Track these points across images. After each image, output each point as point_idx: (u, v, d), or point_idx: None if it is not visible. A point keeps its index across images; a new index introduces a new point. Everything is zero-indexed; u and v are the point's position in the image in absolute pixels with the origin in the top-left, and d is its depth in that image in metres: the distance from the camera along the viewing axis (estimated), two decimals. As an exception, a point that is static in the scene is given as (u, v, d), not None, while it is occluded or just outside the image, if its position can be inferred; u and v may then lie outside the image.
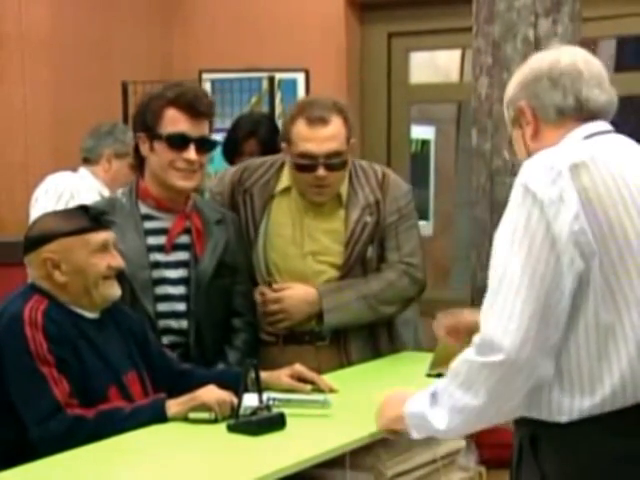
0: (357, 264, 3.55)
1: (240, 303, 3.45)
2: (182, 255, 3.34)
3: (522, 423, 2.35)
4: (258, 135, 4.42)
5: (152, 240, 3.32)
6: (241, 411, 2.77)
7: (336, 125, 3.42)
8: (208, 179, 4.64)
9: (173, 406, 2.84)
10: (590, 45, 6.04)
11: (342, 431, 2.80)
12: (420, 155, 7.48)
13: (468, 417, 2.31)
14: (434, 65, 7.18)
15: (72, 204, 4.37)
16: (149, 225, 3.33)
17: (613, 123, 2.46)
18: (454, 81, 7.27)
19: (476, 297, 4.24)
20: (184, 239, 3.35)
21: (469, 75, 4.60)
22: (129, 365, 2.97)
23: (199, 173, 3.33)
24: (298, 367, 3.17)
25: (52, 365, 2.76)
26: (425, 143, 7.58)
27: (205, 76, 5.66)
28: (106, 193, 4.55)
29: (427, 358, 3.41)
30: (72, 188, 4.66)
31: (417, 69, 6.36)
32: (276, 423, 2.76)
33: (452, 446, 3.06)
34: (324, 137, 3.40)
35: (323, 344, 3.55)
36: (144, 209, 3.35)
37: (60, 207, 4.36)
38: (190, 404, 2.84)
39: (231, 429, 2.75)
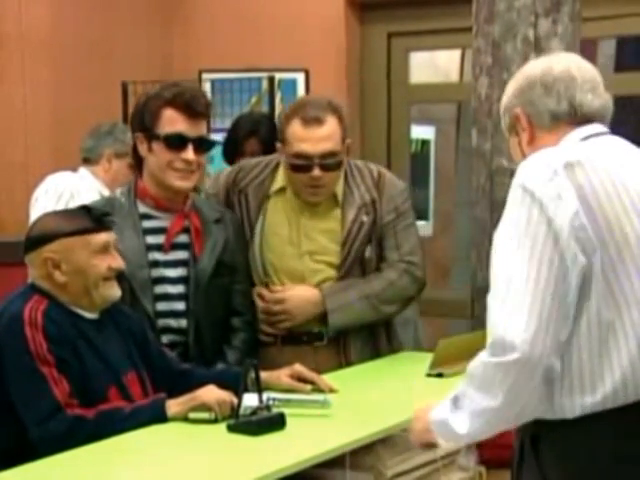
0: (355, 264, 3.55)
1: (239, 302, 3.45)
2: (181, 254, 3.34)
3: (524, 423, 2.35)
4: (259, 134, 4.42)
5: (151, 239, 3.32)
6: (241, 411, 2.77)
7: (331, 125, 3.42)
8: (208, 179, 4.64)
9: (173, 406, 2.84)
10: (590, 45, 6.06)
11: (342, 431, 2.80)
12: (420, 155, 7.48)
13: (488, 420, 2.30)
14: (434, 65, 7.18)
15: (72, 204, 4.37)
16: (147, 224, 3.33)
17: (612, 123, 2.47)
18: (454, 81, 7.27)
19: (476, 297, 4.25)
20: (183, 238, 3.35)
21: (469, 75, 4.61)
22: (129, 365, 2.97)
23: (197, 173, 3.33)
24: (298, 367, 3.17)
25: (52, 365, 2.77)
26: (425, 143, 7.58)
27: (205, 76, 5.66)
28: (106, 193, 4.55)
29: (427, 358, 3.42)
30: (72, 188, 4.66)
31: (417, 69, 6.36)
32: (276, 423, 2.76)
33: (452, 446, 3.06)
34: (319, 137, 3.40)
35: (321, 344, 3.55)
36: (142, 208, 3.35)
37: (60, 207, 4.36)
38: (190, 404, 2.84)
39: (231, 429, 2.75)
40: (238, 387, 2.80)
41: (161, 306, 3.30)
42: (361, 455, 2.80)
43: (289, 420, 2.78)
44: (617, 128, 2.51)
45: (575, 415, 2.25)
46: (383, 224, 3.56)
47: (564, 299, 2.20)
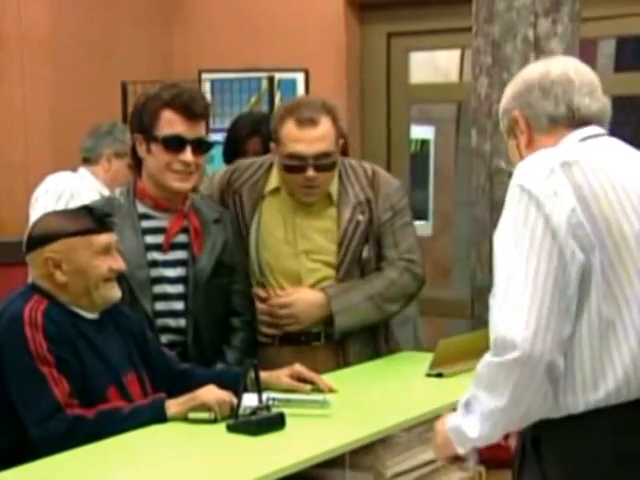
0: (354, 264, 3.55)
1: (238, 302, 3.45)
2: (180, 254, 3.35)
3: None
4: (261, 134, 4.41)
5: (150, 239, 3.32)
6: (241, 411, 2.77)
7: (325, 126, 3.42)
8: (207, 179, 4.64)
9: (173, 406, 2.84)
10: (590, 45, 6.06)
11: (342, 431, 2.80)
12: (420, 155, 7.48)
13: (497, 421, 2.30)
14: (434, 65, 7.18)
15: (72, 204, 4.38)
16: (146, 224, 3.33)
17: (612, 123, 2.48)
18: (454, 81, 7.27)
19: (476, 297, 4.25)
20: (182, 238, 3.35)
21: (469, 75, 4.61)
22: (128, 365, 2.97)
23: (196, 174, 3.33)
24: (298, 367, 3.17)
25: (52, 365, 2.77)
26: (425, 143, 7.59)
27: (205, 76, 5.66)
28: (106, 193, 4.54)
29: (427, 358, 3.42)
30: (72, 188, 4.66)
31: (417, 69, 6.36)
32: (276, 423, 2.76)
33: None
34: (314, 138, 3.40)
35: (319, 344, 3.55)
36: (142, 208, 3.35)
37: (60, 207, 4.36)
38: (190, 404, 2.84)
39: (231, 429, 2.75)
40: (238, 387, 2.80)
41: (160, 306, 3.30)
42: (361, 455, 2.80)
43: (289, 420, 2.78)
44: (617, 128, 2.52)
45: (578, 412, 2.26)
46: (380, 223, 3.56)
47: (564, 293, 2.21)
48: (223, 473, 2.54)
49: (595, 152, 2.35)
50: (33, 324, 2.79)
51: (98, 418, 2.76)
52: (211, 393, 2.85)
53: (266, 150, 4.13)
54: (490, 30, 4.13)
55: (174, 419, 2.83)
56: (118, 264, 2.95)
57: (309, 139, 3.40)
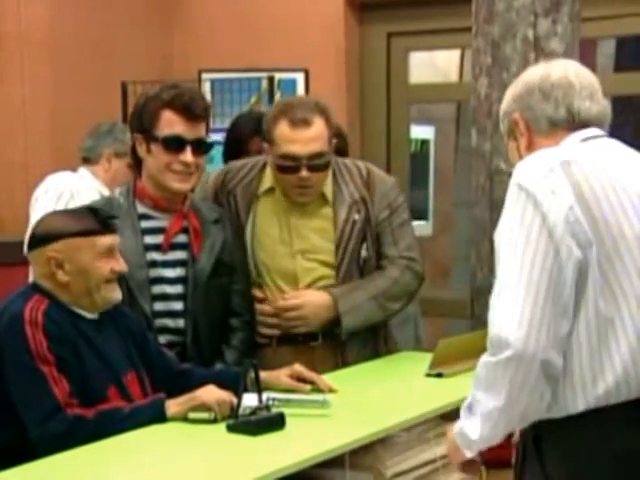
0: (353, 264, 3.55)
1: (237, 302, 3.45)
2: (179, 254, 3.35)
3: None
4: (263, 133, 4.41)
5: (149, 239, 3.32)
6: (240, 411, 2.77)
7: (319, 126, 3.43)
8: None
9: (173, 406, 2.84)
10: (590, 45, 6.06)
11: (342, 431, 2.80)
12: (420, 155, 7.48)
13: (496, 421, 2.30)
14: (433, 65, 7.18)
15: (72, 204, 4.38)
16: (146, 224, 3.34)
17: (612, 123, 2.49)
18: (453, 81, 7.27)
19: (476, 296, 4.25)
20: (181, 238, 3.35)
21: (468, 75, 4.61)
22: (128, 365, 2.97)
23: (196, 175, 3.34)
24: (297, 367, 3.17)
25: (52, 364, 2.77)
26: (424, 143, 7.58)
27: (205, 76, 5.66)
28: (106, 193, 4.55)
29: (426, 358, 3.42)
30: (72, 188, 4.66)
31: (416, 69, 6.36)
32: (275, 423, 2.76)
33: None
34: (308, 138, 3.40)
35: (317, 344, 3.55)
36: (141, 209, 3.35)
37: (60, 207, 4.36)
38: (190, 404, 2.84)
39: (230, 429, 2.75)
40: (238, 387, 2.80)
41: (158, 306, 3.30)
42: (360, 455, 2.80)
43: (288, 420, 2.78)
44: (617, 128, 2.52)
45: (578, 410, 2.26)
46: (378, 221, 3.57)
47: (560, 292, 2.22)
48: (223, 473, 2.54)
49: (596, 152, 2.37)
50: (33, 323, 2.79)
51: (98, 418, 2.76)
52: (211, 393, 2.85)
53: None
54: (490, 30, 4.13)
55: (174, 419, 2.83)
56: (120, 266, 2.95)
57: (303, 139, 3.40)
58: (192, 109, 3.27)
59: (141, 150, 3.33)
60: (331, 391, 3.11)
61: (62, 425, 2.73)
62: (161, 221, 3.35)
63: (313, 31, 5.83)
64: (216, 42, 6.02)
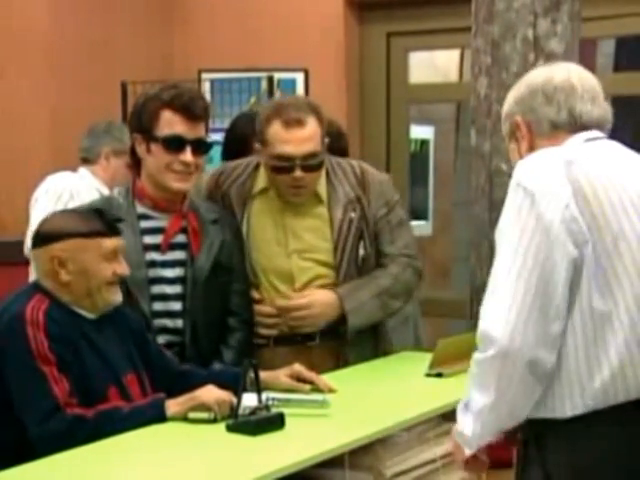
0: (352, 263, 3.55)
1: (236, 302, 3.45)
2: (178, 254, 3.35)
3: (527, 423, 2.36)
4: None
5: (148, 239, 3.32)
6: (240, 411, 2.77)
7: (312, 126, 3.42)
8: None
9: (172, 406, 2.84)
10: (589, 45, 6.06)
11: (341, 431, 2.80)
12: (419, 155, 7.48)
13: (486, 418, 2.33)
14: (433, 65, 7.18)
15: (71, 204, 4.39)
16: (145, 224, 3.34)
17: (612, 123, 2.51)
18: (453, 81, 7.27)
19: (475, 296, 4.25)
20: (180, 238, 3.36)
21: (468, 75, 4.60)
22: (128, 366, 2.97)
23: (195, 175, 3.34)
24: (297, 367, 3.17)
25: (53, 364, 2.77)
26: (424, 143, 7.58)
27: (204, 76, 5.66)
28: (106, 192, 4.55)
29: (426, 358, 3.42)
30: (72, 188, 4.66)
31: (416, 69, 6.36)
32: (275, 423, 2.76)
33: (451, 446, 3.06)
34: (301, 139, 3.40)
35: (314, 344, 3.55)
36: (140, 209, 3.35)
37: (60, 207, 4.36)
38: (189, 404, 2.84)
39: (230, 429, 2.75)
40: (237, 387, 2.80)
41: (157, 306, 3.30)
42: (360, 455, 2.80)
43: (288, 420, 2.78)
44: (616, 128, 2.53)
45: (576, 411, 2.27)
46: (376, 220, 3.57)
47: (551, 291, 2.23)
48: (222, 473, 2.54)
49: (598, 152, 2.39)
50: (35, 323, 2.79)
51: (98, 418, 2.76)
52: (210, 393, 2.85)
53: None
54: (489, 30, 4.13)
55: (174, 419, 2.83)
56: (123, 269, 2.96)
57: (297, 140, 3.40)
58: (192, 109, 3.27)
59: (140, 150, 3.33)
60: (331, 391, 3.11)
61: (62, 425, 2.73)
62: (160, 221, 3.35)
63: (313, 31, 5.84)
64: (216, 42, 6.02)
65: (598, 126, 2.45)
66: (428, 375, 3.37)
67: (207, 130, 3.43)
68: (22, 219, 4.81)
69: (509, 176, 2.39)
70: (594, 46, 7.22)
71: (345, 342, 3.57)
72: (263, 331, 3.54)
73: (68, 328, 2.84)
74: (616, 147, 2.45)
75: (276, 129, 3.41)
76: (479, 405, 2.31)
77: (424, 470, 2.99)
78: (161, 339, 3.27)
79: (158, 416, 2.82)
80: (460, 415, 2.39)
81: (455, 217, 7.08)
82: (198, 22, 6.13)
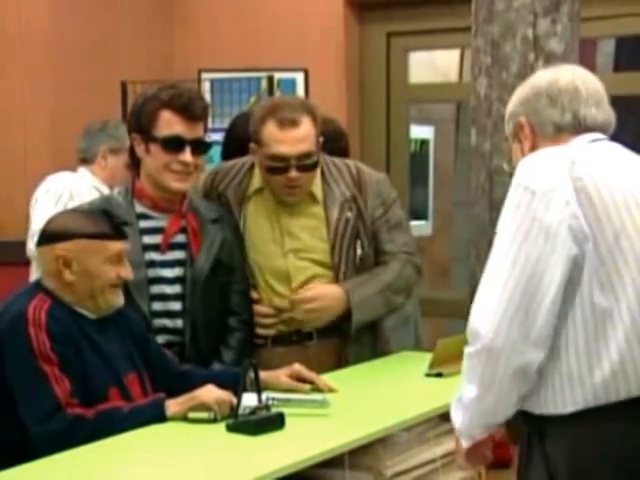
0: (350, 263, 3.55)
1: (236, 302, 3.45)
2: (178, 254, 3.35)
3: (529, 420, 2.37)
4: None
5: (147, 239, 3.32)
6: (240, 411, 2.77)
7: (306, 126, 3.42)
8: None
9: (172, 405, 2.84)
10: (589, 45, 6.06)
11: (341, 431, 2.80)
12: (419, 155, 7.47)
13: (473, 412, 2.37)
14: (433, 65, 7.18)
15: (71, 204, 4.39)
16: (144, 224, 3.34)
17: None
18: (453, 81, 7.27)
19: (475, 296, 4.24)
20: (180, 238, 3.36)
21: (468, 75, 4.60)
22: (130, 366, 2.97)
23: (195, 174, 3.34)
24: (297, 367, 3.17)
25: (54, 364, 2.77)
26: (424, 143, 7.58)
27: (204, 76, 5.66)
28: (106, 191, 4.55)
29: (426, 358, 3.42)
30: (72, 188, 4.67)
31: (416, 69, 6.36)
32: (275, 423, 2.76)
33: (451, 445, 3.06)
34: (296, 139, 3.40)
35: (311, 344, 3.55)
36: (140, 208, 3.35)
37: (60, 207, 4.37)
38: (189, 404, 2.84)
39: (230, 429, 2.75)
40: (237, 387, 2.80)
41: (157, 306, 3.30)
42: (360, 455, 2.80)
43: (288, 420, 2.78)
44: (616, 128, 2.54)
45: (577, 406, 2.28)
46: (374, 220, 3.57)
47: (541, 291, 2.25)
48: (222, 473, 2.54)
49: (601, 152, 2.41)
50: (37, 323, 2.79)
51: (98, 417, 2.76)
52: (210, 393, 2.85)
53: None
54: (489, 30, 4.13)
55: (174, 419, 2.83)
56: (126, 272, 2.96)
57: (291, 140, 3.40)
58: (191, 109, 3.27)
59: (139, 150, 3.33)
60: (331, 391, 3.11)
61: (62, 424, 2.73)
62: (160, 221, 3.35)
63: (313, 31, 5.84)
64: (216, 42, 6.02)
65: (602, 129, 2.47)
66: (428, 375, 3.37)
67: (206, 130, 3.43)
68: (22, 219, 4.81)
69: (509, 175, 2.40)
70: (594, 46, 7.22)
71: (343, 342, 3.57)
72: (261, 331, 3.54)
73: (70, 328, 2.84)
74: (619, 149, 2.47)
75: (271, 129, 3.41)
76: (467, 398, 2.36)
77: (424, 470, 2.99)
78: (160, 339, 3.27)
79: (158, 416, 2.82)
80: (452, 407, 2.44)
81: (455, 217, 7.08)
82: (198, 22, 6.13)
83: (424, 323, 4.91)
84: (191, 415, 2.84)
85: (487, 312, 2.27)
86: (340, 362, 3.55)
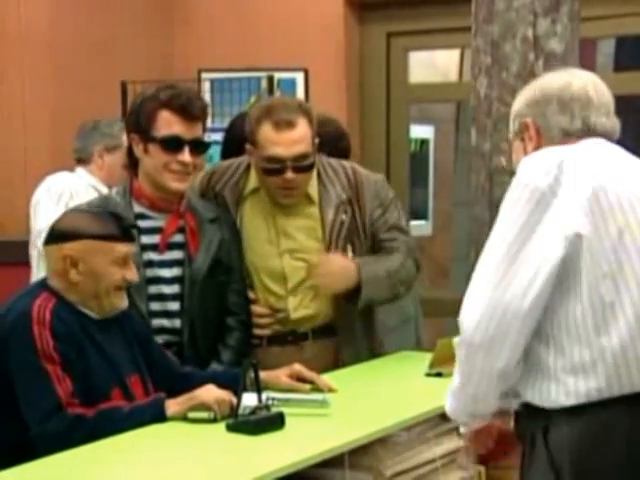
0: None
1: (234, 302, 3.45)
2: (176, 254, 3.35)
3: (533, 413, 2.37)
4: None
5: (146, 239, 3.32)
6: (240, 410, 2.77)
7: (302, 127, 3.42)
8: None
9: (172, 405, 2.84)
10: (589, 44, 6.06)
11: (341, 430, 2.80)
12: (419, 155, 7.47)
13: (458, 399, 2.44)
14: (433, 65, 7.18)
15: (72, 204, 4.39)
16: (143, 224, 3.33)
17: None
18: (453, 81, 7.27)
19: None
20: (178, 238, 3.36)
21: (468, 75, 4.60)
22: (132, 367, 2.97)
23: (193, 175, 3.34)
24: (297, 367, 3.17)
25: (57, 363, 2.77)
26: (424, 143, 7.58)
27: (204, 76, 5.66)
28: (104, 191, 4.55)
29: (426, 358, 3.42)
30: (71, 188, 4.67)
31: (416, 69, 6.36)
32: (275, 422, 2.77)
33: (451, 445, 3.07)
34: (292, 140, 3.40)
35: (307, 344, 3.55)
36: (138, 208, 3.35)
37: (61, 206, 4.38)
38: (189, 403, 2.84)
39: (230, 428, 2.75)
40: (237, 387, 2.80)
41: (155, 306, 3.30)
42: (360, 455, 2.80)
43: (288, 420, 2.78)
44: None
45: (580, 400, 2.28)
46: (373, 221, 3.57)
47: (525, 290, 2.26)
48: (222, 472, 2.54)
49: (605, 153, 2.42)
50: (41, 322, 2.79)
51: (98, 417, 2.76)
52: (210, 392, 2.85)
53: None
54: (489, 30, 4.12)
55: (174, 418, 2.83)
56: (132, 275, 2.96)
57: (287, 141, 3.39)
58: (190, 109, 3.27)
59: (138, 150, 3.33)
60: (330, 391, 3.11)
61: (62, 424, 2.73)
62: (158, 221, 3.35)
63: (313, 31, 5.84)
64: (216, 42, 6.02)
65: (609, 137, 2.48)
66: (428, 375, 3.37)
67: (205, 130, 3.43)
68: (22, 219, 4.81)
69: (510, 175, 2.40)
70: (594, 46, 7.21)
71: (338, 342, 3.57)
72: (256, 331, 3.54)
73: (74, 327, 2.84)
74: (620, 151, 2.47)
75: (266, 131, 3.41)
76: (454, 385, 2.44)
77: (424, 470, 2.99)
78: (159, 339, 3.27)
79: (158, 416, 2.82)
80: (447, 393, 2.50)
81: (455, 217, 7.07)
82: (198, 22, 6.13)
83: (424, 323, 4.91)
84: (191, 415, 2.84)
85: (469, 309, 2.31)
86: (335, 362, 3.55)
